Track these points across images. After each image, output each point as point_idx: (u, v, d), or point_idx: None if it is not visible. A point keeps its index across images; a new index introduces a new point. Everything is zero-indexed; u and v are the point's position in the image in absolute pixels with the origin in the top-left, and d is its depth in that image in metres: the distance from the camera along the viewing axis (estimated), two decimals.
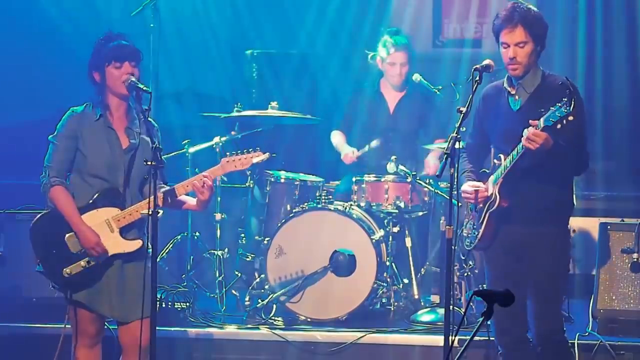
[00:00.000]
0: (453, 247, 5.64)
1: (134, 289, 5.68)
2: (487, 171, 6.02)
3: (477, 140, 6.13)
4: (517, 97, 5.86)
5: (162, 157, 5.61)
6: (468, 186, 5.96)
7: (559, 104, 5.41)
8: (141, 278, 5.55)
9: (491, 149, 6.08)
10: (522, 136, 5.59)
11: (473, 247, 6.07)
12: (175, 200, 5.86)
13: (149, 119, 5.76)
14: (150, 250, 5.65)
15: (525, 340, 5.98)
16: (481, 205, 5.94)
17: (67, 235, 5.75)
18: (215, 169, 5.92)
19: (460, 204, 6.39)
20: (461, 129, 5.65)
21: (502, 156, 5.85)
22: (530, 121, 5.55)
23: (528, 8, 5.84)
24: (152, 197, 5.49)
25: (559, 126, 5.43)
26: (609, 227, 7.27)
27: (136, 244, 5.76)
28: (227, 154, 5.98)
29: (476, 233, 5.99)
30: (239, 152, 5.95)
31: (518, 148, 5.66)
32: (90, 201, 5.75)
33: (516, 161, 5.70)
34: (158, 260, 5.81)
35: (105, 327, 6.05)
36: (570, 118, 5.39)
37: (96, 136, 5.77)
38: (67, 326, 5.93)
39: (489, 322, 5.83)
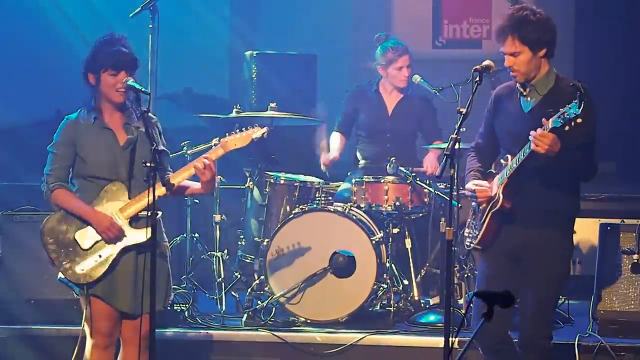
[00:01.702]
0: (453, 248, 5.61)
1: (145, 282, 5.62)
2: (494, 172, 5.97)
3: (487, 140, 6.04)
4: (529, 98, 5.78)
5: (165, 147, 5.64)
6: (472, 185, 5.90)
7: (568, 106, 5.36)
8: (152, 271, 5.53)
9: (500, 150, 6.01)
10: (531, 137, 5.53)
11: (472, 247, 6.03)
12: (178, 187, 5.83)
13: (149, 113, 5.75)
14: (166, 244, 5.79)
15: (506, 341, 5.88)
16: (484, 205, 5.88)
17: (76, 233, 5.75)
18: (216, 149, 5.88)
19: (460, 205, 6.36)
20: (461, 129, 5.62)
21: (509, 157, 5.77)
22: (543, 120, 5.49)
23: (525, 14, 5.70)
24: (151, 199, 5.49)
25: (567, 128, 5.37)
26: (609, 228, 7.26)
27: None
28: (226, 134, 5.92)
29: (477, 233, 5.95)
30: (237, 130, 5.90)
31: (525, 149, 5.59)
32: (96, 198, 5.76)
33: (522, 162, 5.64)
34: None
35: None
36: (579, 120, 5.31)
37: (93, 140, 5.78)
38: (84, 328, 5.87)
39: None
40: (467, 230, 6.08)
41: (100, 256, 5.73)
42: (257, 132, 5.91)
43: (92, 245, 5.74)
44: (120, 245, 5.74)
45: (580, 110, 5.30)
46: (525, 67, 5.70)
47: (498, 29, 5.73)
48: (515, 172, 5.70)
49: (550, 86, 5.77)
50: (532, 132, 5.50)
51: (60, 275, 5.80)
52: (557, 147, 5.48)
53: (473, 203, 6.02)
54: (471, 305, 7.15)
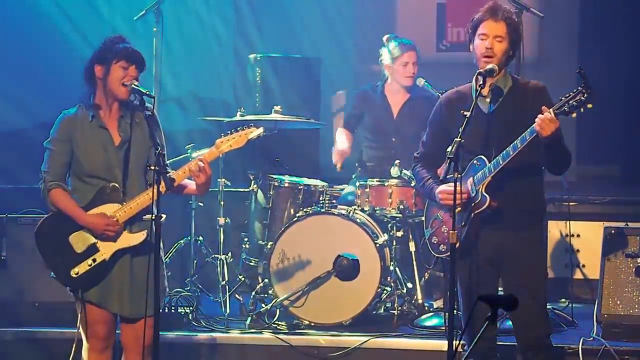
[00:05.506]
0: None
1: (142, 285, 5.62)
2: (456, 176, 5.65)
3: (435, 148, 5.95)
4: (488, 99, 5.79)
5: (166, 161, 5.63)
6: (447, 187, 5.77)
7: (573, 93, 5.42)
8: (157, 273, 5.54)
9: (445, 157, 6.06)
10: (524, 131, 5.51)
11: (451, 252, 5.85)
12: (175, 186, 5.77)
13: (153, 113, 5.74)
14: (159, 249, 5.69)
15: (493, 347, 5.86)
16: (460, 208, 5.67)
17: (70, 236, 5.74)
18: (210, 151, 5.83)
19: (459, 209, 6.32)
20: None
21: (483, 157, 5.73)
22: (543, 108, 5.48)
23: (510, 11, 5.88)
24: (154, 202, 5.50)
25: (574, 115, 5.43)
26: (613, 231, 7.25)
27: (140, 236, 5.72)
28: (222, 134, 5.87)
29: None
30: (232, 130, 5.84)
31: (516, 143, 5.56)
32: (89, 200, 5.74)
33: (511, 158, 5.59)
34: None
35: None
36: (590, 106, 5.39)
37: (89, 138, 5.76)
38: (80, 331, 5.86)
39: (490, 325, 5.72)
40: (435, 238, 6.02)
41: (94, 260, 5.72)
42: (253, 133, 5.84)
43: (86, 249, 5.73)
44: (113, 248, 5.72)
45: (592, 96, 5.37)
46: (501, 57, 5.76)
47: (489, 10, 5.80)
48: (499, 171, 5.66)
49: (509, 86, 5.81)
50: (540, 116, 5.46)
51: (53, 274, 5.81)
52: (558, 135, 5.50)
53: (439, 210, 5.96)
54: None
